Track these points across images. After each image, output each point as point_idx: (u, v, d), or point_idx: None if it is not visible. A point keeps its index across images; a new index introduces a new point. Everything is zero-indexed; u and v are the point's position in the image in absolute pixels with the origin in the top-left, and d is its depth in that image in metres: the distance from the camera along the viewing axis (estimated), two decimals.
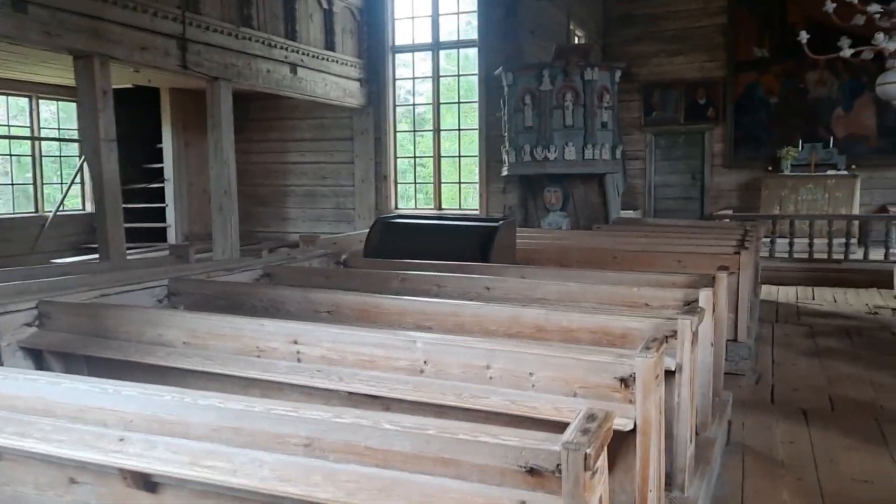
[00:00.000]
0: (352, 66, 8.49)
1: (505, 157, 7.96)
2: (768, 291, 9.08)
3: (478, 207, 8.64)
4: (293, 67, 7.46)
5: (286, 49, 7.37)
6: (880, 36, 7.38)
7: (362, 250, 5.64)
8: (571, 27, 10.52)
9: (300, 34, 7.59)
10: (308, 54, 7.70)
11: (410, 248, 5.56)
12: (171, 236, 8.83)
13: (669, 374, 2.64)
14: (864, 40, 8.01)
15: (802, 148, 11.33)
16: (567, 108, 7.63)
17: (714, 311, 3.67)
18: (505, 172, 8.07)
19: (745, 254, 5.26)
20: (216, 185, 6.57)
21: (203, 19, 6.29)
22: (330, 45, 8.11)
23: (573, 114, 7.65)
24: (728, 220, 10.12)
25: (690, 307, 3.33)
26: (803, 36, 7.68)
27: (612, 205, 8.94)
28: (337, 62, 8.20)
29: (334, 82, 8.19)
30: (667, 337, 2.70)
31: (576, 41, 10.93)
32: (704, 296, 3.24)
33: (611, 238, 6.89)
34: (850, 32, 7.82)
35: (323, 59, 7.95)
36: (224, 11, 6.59)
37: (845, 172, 11.02)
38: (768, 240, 9.78)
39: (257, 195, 9.64)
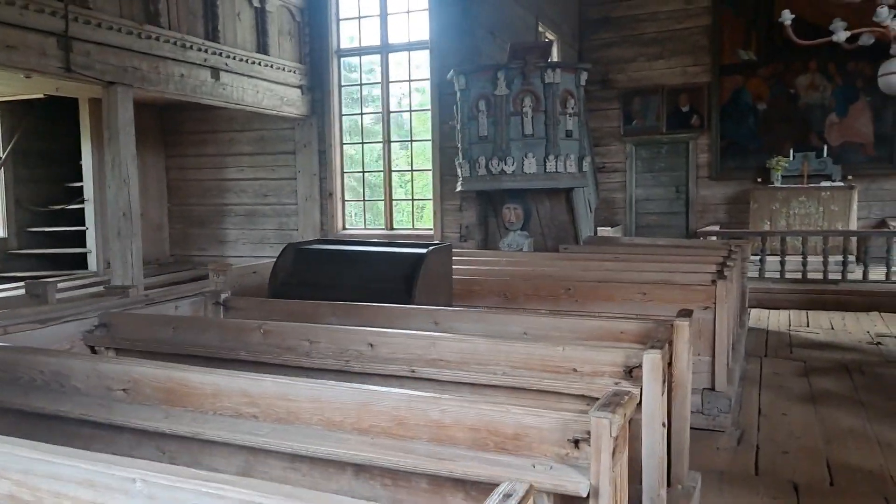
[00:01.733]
0: (290, 71, 7.61)
1: (459, 170, 7.08)
2: (758, 317, 8.18)
3: (432, 227, 7.74)
4: (214, 72, 6.58)
5: (205, 51, 6.49)
6: (884, 11, 6.33)
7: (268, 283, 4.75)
8: (541, 29, 9.68)
9: (224, 35, 6.72)
10: (234, 57, 6.82)
11: (324, 280, 4.67)
12: (92, 263, 7.91)
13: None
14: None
15: (793, 157, 10.47)
16: (526, 115, 6.75)
17: (671, 374, 2.77)
18: (459, 188, 7.18)
19: (722, 284, 4.36)
20: (113, 207, 5.66)
21: (94, 14, 5.41)
22: (263, 47, 7.24)
23: (533, 121, 6.77)
24: (714, 238, 9.23)
25: (628, 378, 2.42)
26: (786, 17, 6.77)
27: (583, 222, 8.04)
28: (271, 66, 7.32)
29: (268, 89, 7.31)
30: (577, 441, 1.80)
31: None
32: (650, 362, 2.33)
33: (572, 263, 6.00)
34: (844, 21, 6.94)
35: (253, 62, 7.07)
36: (123, 7, 5.70)
37: (841, 183, 10.16)
38: (757, 258, 8.90)
39: (193, 215, 8.74)
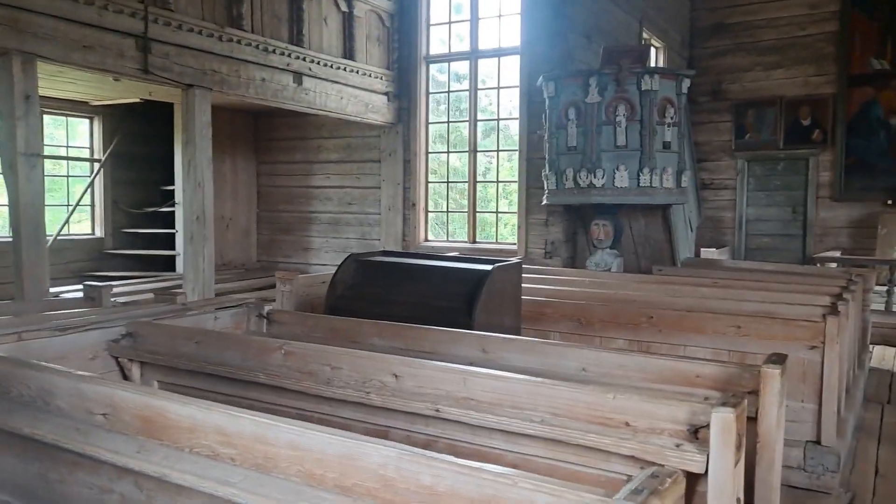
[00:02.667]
0: (377, 77, 7.43)
1: (545, 182, 6.64)
2: (882, 356, 7.24)
3: (516, 242, 7.33)
4: (297, 76, 6.47)
5: (288, 55, 6.39)
6: None
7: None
8: (645, 35, 9.09)
9: (308, 39, 6.60)
10: (318, 62, 6.69)
11: (382, 294, 4.37)
12: (180, 265, 7.99)
13: None
14: None
15: None
16: (619, 125, 6.24)
17: (755, 432, 2.27)
18: (545, 201, 6.74)
19: (834, 321, 3.72)
20: (187, 210, 5.61)
21: (174, 16, 5.38)
22: (349, 52, 7.08)
23: (627, 132, 6.25)
24: (832, 265, 8.32)
25: (693, 438, 1.96)
26: None
27: (682, 242, 7.41)
28: (357, 72, 7.15)
29: (353, 95, 7.14)
30: None
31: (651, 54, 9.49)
32: (720, 423, 1.86)
33: (662, 287, 5.44)
34: None
35: (339, 68, 6.93)
36: (205, 9, 5.66)
37: None
38: (884, 288, 7.93)
39: (280, 221, 8.72)
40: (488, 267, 4.14)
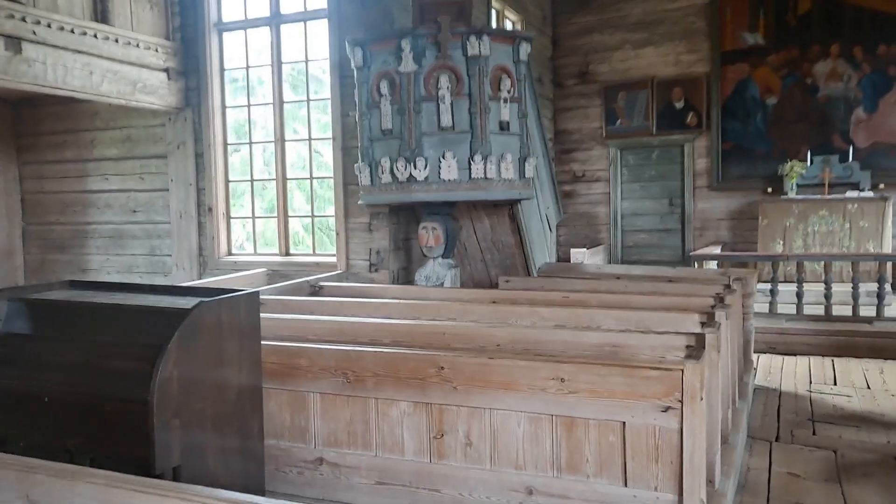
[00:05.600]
0: (150, 48, 5.81)
1: (359, 177, 5.23)
2: (768, 367, 6.25)
3: (335, 252, 5.88)
4: (13, 42, 4.78)
5: None
6: None
7: None
8: (496, 6, 7.84)
9: None
10: (49, 24, 5.02)
11: (38, 355, 2.81)
12: None
13: None
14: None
15: (812, 162, 8.56)
16: (443, 101, 4.89)
17: None
18: (360, 201, 5.33)
19: (695, 368, 2.46)
20: None
21: None
22: (101, 15, 5.44)
23: (453, 109, 4.91)
24: (713, 265, 7.32)
25: None
26: None
27: (537, 245, 6.17)
28: (117, 41, 5.51)
29: (111, 70, 5.50)
30: None
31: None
32: None
33: (494, 310, 4.14)
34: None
35: (85, 33, 5.27)
36: None
37: (871, 194, 8.22)
38: (768, 287, 6.99)
39: (52, 237, 6.92)
40: (190, 303, 2.67)
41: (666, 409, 2.46)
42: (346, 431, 2.95)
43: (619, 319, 3.89)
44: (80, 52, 5.26)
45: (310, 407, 3.00)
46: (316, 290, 5.28)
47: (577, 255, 8.51)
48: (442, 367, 2.76)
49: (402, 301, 4.52)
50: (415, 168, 4.91)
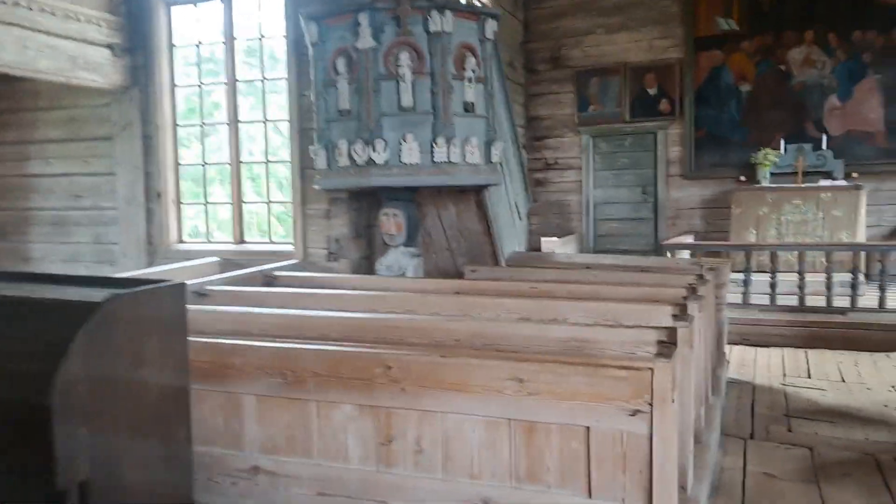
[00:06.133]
0: (93, 23, 5.44)
1: (315, 160, 4.93)
2: (741, 360, 6.08)
3: (293, 241, 5.58)
4: None
5: None
6: None
7: None
8: None
9: None
10: None
11: None
12: None
13: None
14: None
15: (785, 151, 8.41)
16: (403, 79, 4.60)
17: None
18: (316, 185, 5.03)
19: (666, 368, 2.21)
20: None
21: None
22: None
23: (414, 89, 4.63)
24: (686, 254, 7.13)
25: None
26: None
27: (506, 233, 5.92)
28: (54, 14, 5.14)
29: (49, 45, 5.13)
30: None
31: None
32: None
33: (457, 301, 3.90)
34: None
35: (17, 4, 4.89)
36: None
37: (844, 183, 8.09)
38: (741, 276, 6.82)
39: None
40: (99, 297, 2.37)
41: (634, 413, 2.22)
42: (285, 437, 2.67)
43: (588, 312, 3.65)
44: (12, 24, 4.89)
45: (245, 410, 2.72)
46: (270, 280, 4.98)
47: (549, 243, 8.28)
48: (389, 367, 2.49)
49: (359, 292, 4.24)
50: (374, 151, 4.62)
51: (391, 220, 4.98)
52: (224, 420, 2.76)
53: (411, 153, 4.64)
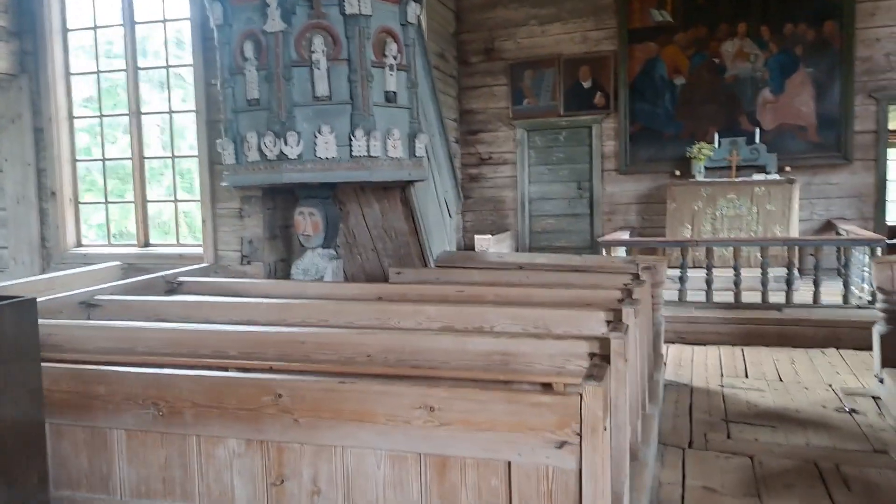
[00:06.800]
0: None
1: (223, 155, 4.50)
2: (678, 359, 5.91)
3: (201, 243, 5.13)
4: None
5: None
6: None
7: None
8: None
9: None
10: None
11: None
12: None
13: None
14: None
15: (720, 145, 8.34)
16: (317, 66, 4.22)
17: None
18: (224, 182, 4.60)
19: (597, 391, 1.91)
20: None
21: None
22: None
23: (330, 76, 4.24)
24: (622, 251, 6.94)
25: None
26: None
27: (435, 232, 5.58)
28: None
29: None
30: None
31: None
32: None
33: (375, 309, 3.55)
34: None
35: None
36: None
37: (777, 176, 8.06)
38: (677, 273, 6.67)
39: None
40: None
41: (561, 445, 1.91)
42: (161, 478, 2.28)
43: (516, 318, 3.36)
44: None
45: (113, 447, 2.31)
46: (173, 286, 4.54)
47: (483, 241, 8.00)
48: (279, 395, 2.12)
49: (269, 301, 3.85)
50: (286, 144, 4.22)
51: (307, 220, 4.59)
52: (89, 459, 2.35)
53: (327, 147, 4.26)
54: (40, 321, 3.29)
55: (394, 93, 4.47)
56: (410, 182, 4.93)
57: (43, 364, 2.27)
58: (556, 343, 2.64)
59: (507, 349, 2.66)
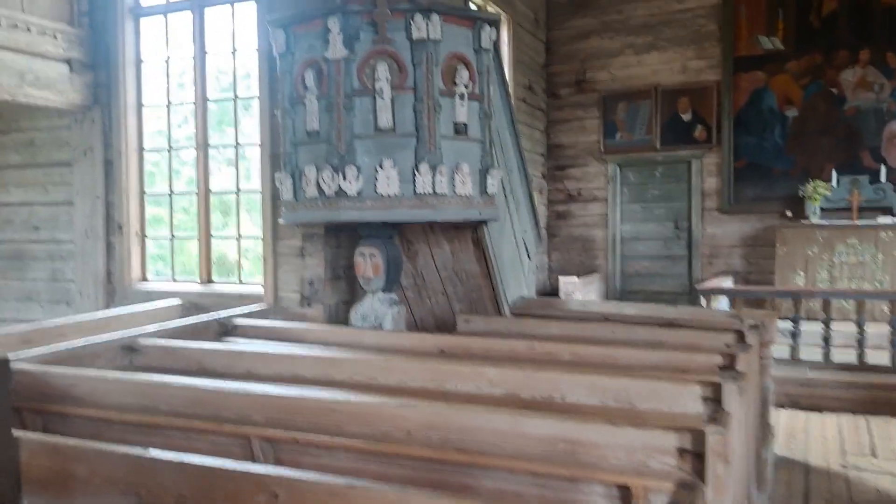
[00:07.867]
0: (47, 34, 4.85)
1: (281, 190, 4.20)
2: (791, 429, 5.14)
3: (262, 282, 4.84)
4: None
5: None
6: None
7: None
8: (477, 2, 6.86)
9: None
10: None
11: None
12: None
13: None
14: None
15: (838, 183, 7.48)
16: (381, 95, 3.86)
17: None
18: (281, 220, 4.29)
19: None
20: None
21: None
22: None
23: (394, 106, 3.88)
24: (723, 300, 6.23)
25: None
26: None
27: (510, 276, 5.10)
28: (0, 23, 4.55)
29: None
30: None
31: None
32: None
33: (429, 368, 3.11)
34: None
35: None
36: None
37: None
38: (789, 326, 5.89)
39: None
40: None
41: None
42: None
43: (594, 389, 2.83)
44: None
45: None
46: (226, 329, 4.25)
47: (568, 283, 7.42)
48: (276, 495, 1.69)
49: (317, 353, 3.47)
50: (344, 179, 3.87)
51: (367, 262, 4.21)
52: None
53: (389, 182, 3.87)
54: (64, 370, 3.03)
55: (464, 124, 4.05)
56: (483, 221, 4.49)
57: (19, 434, 1.94)
58: (637, 433, 2.10)
59: (573, 437, 2.14)
